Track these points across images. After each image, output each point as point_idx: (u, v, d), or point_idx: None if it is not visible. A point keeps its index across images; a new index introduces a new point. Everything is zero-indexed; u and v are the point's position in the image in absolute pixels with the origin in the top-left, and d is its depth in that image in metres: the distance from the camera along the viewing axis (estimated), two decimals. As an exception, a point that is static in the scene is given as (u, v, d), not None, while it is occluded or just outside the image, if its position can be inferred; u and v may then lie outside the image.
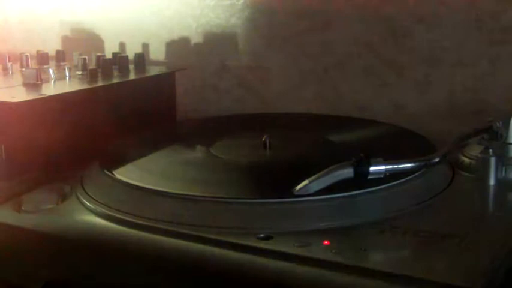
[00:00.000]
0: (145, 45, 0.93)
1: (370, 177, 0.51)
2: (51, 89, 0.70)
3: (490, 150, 0.58)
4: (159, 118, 0.80)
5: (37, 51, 0.85)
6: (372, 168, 0.51)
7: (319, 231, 0.48)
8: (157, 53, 0.93)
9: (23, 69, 0.79)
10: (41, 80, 0.72)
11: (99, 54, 0.82)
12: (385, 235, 0.47)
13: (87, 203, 0.55)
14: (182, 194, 0.53)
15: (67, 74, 0.76)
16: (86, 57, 0.79)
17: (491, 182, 0.57)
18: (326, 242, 0.46)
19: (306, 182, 0.51)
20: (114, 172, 0.58)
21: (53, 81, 0.74)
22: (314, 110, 0.83)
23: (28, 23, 1.03)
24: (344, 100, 0.82)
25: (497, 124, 0.60)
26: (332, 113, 0.80)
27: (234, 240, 0.47)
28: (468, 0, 0.73)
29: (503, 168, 0.57)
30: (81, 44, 0.97)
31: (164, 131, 0.77)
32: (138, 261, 0.49)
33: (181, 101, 0.86)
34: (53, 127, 0.65)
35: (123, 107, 0.74)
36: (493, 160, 0.57)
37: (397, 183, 0.54)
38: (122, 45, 0.95)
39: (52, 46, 0.93)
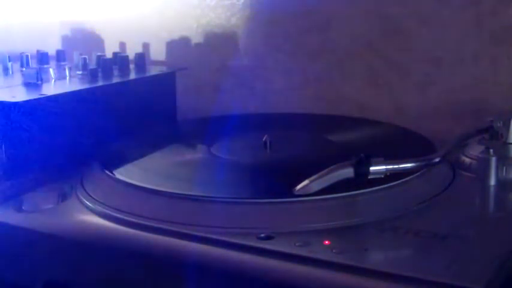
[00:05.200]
0: (146, 45, 0.93)
1: (370, 177, 0.51)
2: (51, 88, 0.70)
3: (491, 150, 0.58)
4: (159, 118, 0.80)
5: (37, 51, 0.85)
6: (372, 168, 0.51)
7: (319, 231, 0.48)
8: (157, 52, 0.93)
9: (23, 69, 0.79)
10: (41, 79, 0.72)
11: (99, 54, 0.82)
12: (386, 235, 0.47)
13: (88, 203, 0.55)
14: (182, 194, 0.53)
15: (67, 73, 0.76)
16: (87, 56, 0.79)
17: (492, 182, 0.57)
18: (327, 242, 0.46)
19: (306, 182, 0.51)
20: (114, 172, 0.58)
21: (53, 81, 0.74)
22: (314, 110, 0.83)
23: (28, 22, 1.03)
24: (344, 100, 0.82)
25: (498, 124, 0.60)
26: (332, 113, 0.80)
27: (235, 240, 0.47)
28: (468, 0, 0.73)
29: (504, 168, 0.57)
30: (81, 44, 0.97)
31: (164, 131, 0.77)
32: (138, 261, 0.49)
33: (181, 101, 0.86)
34: (53, 127, 0.65)
35: (123, 107, 0.74)
36: (493, 160, 0.57)
37: (398, 183, 0.54)
38: (123, 45, 0.95)
39: (52, 46, 0.92)
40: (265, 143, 0.65)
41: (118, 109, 0.73)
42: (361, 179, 0.51)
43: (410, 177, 0.55)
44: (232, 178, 0.59)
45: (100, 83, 0.73)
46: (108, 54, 0.85)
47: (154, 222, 0.50)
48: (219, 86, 0.91)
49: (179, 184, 0.56)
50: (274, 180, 0.58)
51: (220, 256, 0.46)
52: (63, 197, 0.58)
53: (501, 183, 0.57)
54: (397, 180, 0.54)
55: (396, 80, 0.79)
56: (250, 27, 0.87)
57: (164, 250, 0.48)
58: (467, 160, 0.61)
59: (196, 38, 0.91)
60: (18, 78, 0.75)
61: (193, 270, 0.46)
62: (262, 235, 0.47)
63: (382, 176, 0.52)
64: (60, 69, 0.80)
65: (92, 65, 0.79)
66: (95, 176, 0.60)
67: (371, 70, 0.80)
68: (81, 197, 0.57)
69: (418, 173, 0.55)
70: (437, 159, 0.54)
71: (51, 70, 0.75)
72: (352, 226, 0.49)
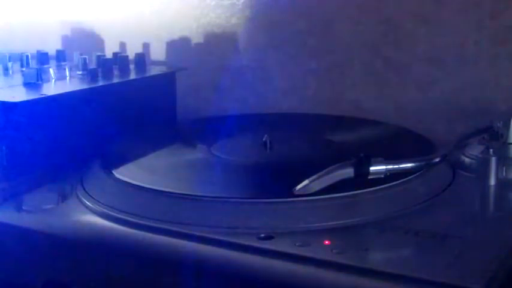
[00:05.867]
0: (146, 45, 0.93)
1: (370, 177, 0.51)
2: (51, 88, 0.70)
3: (491, 150, 0.58)
4: (159, 118, 0.80)
5: (37, 51, 0.85)
6: (372, 168, 0.51)
7: (319, 231, 0.48)
8: (157, 53, 0.93)
9: (23, 69, 0.79)
10: (41, 79, 0.72)
11: (99, 54, 0.82)
12: (386, 235, 0.47)
13: (88, 203, 0.55)
14: (182, 194, 0.53)
15: (67, 73, 0.76)
16: (87, 57, 0.79)
17: (492, 182, 0.57)
18: (327, 242, 0.46)
19: (306, 182, 0.51)
20: (114, 172, 0.58)
21: (53, 81, 0.74)
22: (314, 110, 0.83)
23: (28, 22, 1.03)
24: (344, 100, 0.82)
25: (498, 124, 0.60)
26: (332, 113, 0.80)
27: (234, 240, 0.47)
28: (468, 0, 0.73)
29: (504, 168, 0.57)
30: (81, 44, 0.97)
31: (164, 131, 0.77)
32: (138, 261, 0.49)
33: (181, 101, 0.86)
34: (53, 127, 0.65)
35: (123, 107, 0.74)
36: (493, 160, 0.57)
37: (398, 183, 0.54)
38: (123, 45, 0.95)
39: (52, 46, 0.92)
40: (265, 143, 0.65)
41: (118, 109, 0.73)
42: (361, 179, 0.51)
43: (410, 177, 0.55)
44: (232, 178, 0.59)
45: (100, 83, 0.73)
46: (108, 54, 0.85)
47: (154, 222, 0.50)
48: (219, 86, 0.91)
49: (179, 184, 0.56)
50: (274, 180, 0.58)
51: (220, 256, 0.46)
52: (63, 197, 0.58)
53: (501, 183, 0.57)
54: (397, 180, 0.54)
55: (396, 80, 0.79)
56: (250, 28, 0.87)
57: (164, 250, 0.48)
58: (467, 160, 0.61)
59: (196, 38, 0.91)
60: (18, 78, 0.75)
61: (193, 270, 0.46)
62: (262, 235, 0.47)
63: (382, 176, 0.52)
64: (60, 69, 0.80)
65: (92, 65, 0.79)
66: (95, 176, 0.60)
67: (371, 70, 0.80)
68: (81, 197, 0.57)
69: (418, 173, 0.55)
70: (437, 159, 0.54)
71: (51, 70, 0.75)
72: (352, 226, 0.49)
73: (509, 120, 0.59)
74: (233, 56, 0.89)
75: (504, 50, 0.73)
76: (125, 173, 0.58)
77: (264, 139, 0.65)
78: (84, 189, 0.58)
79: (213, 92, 0.91)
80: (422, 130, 0.69)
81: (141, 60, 0.84)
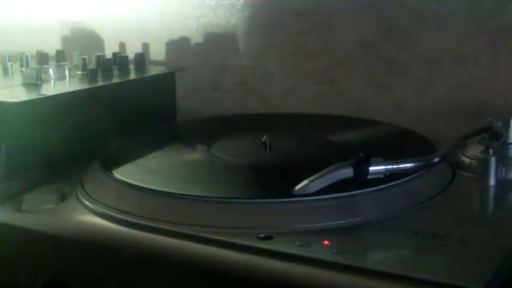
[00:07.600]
0: (146, 45, 0.93)
1: (370, 177, 0.51)
2: (51, 89, 0.70)
3: (490, 150, 0.58)
4: (159, 118, 0.80)
5: (37, 51, 0.85)
6: (371, 168, 0.51)
7: (319, 231, 0.48)
8: (157, 53, 0.93)
9: (23, 69, 0.79)
10: (41, 80, 0.72)
11: (99, 54, 0.82)
12: (385, 235, 0.47)
13: (87, 203, 0.55)
14: (182, 194, 0.53)
15: (67, 74, 0.76)
16: (86, 57, 0.79)
17: (491, 182, 0.57)
18: (326, 242, 0.46)
19: (306, 182, 0.51)
20: (114, 172, 0.58)
21: (53, 81, 0.74)
22: (314, 110, 0.83)
23: (28, 23, 1.03)
24: (344, 100, 0.82)
25: (498, 124, 0.60)
26: (332, 113, 0.80)
27: (234, 240, 0.47)
28: (468, 0, 0.73)
29: (504, 168, 0.57)
30: (81, 44, 0.97)
31: (164, 131, 0.77)
32: (138, 261, 0.49)
33: (181, 101, 0.86)
34: (53, 127, 0.65)
35: (123, 107, 0.74)
36: (493, 160, 0.57)
37: (397, 183, 0.54)
38: (122, 45, 0.95)
39: (52, 46, 0.93)
40: (265, 143, 0.65)
41: (118, 109, 0.73)
42: (361, 179, 0.51)
43: (410, 177, 0.55)
44: (232, 178, 0.59)
45: (100, 83, 0.73)
46: (108, 54, 0.85)
47: (154, 222, 0.50)
48: (219, 86, 0.91)
49: (179, 184, 0.56)
50: (273, 180, 0.58)
51: (220, 256, 0.46)
52: (63, 197, 0.58)
53: (501, 183, 0.57)
54: (397, 180, 0.54)
55: (396, 80, 0.79)
56: (250, 28, 0.87)
57: (164, 250, 0.48)
58: (467, 160, 0.61)
59: (196, 38, 0.91)
60: (18, 78, 0.75)
61: (193, 270, 0.46)
62: (262, 235, 0.47)
63: (382, 176, 0.52)
64: (60, 69, 0.80)
65: (92, 65, 0.79)
66: (94, 176, 0.60)
67: (371, 70, 0.80)
68: (81, 197, 0.57)
69: (418, 173, 0.55)
70: (436, 159, 0.54)
71: (51, 70, 0.75)
72: (352, 226, 0.49)
73: (509, 120, 0.59)
74: (233, 56, 0.89)
75: (504, 50, 0.73)
76: (124, 173, 0.58)
77: (264, 139, 0.65)
78: (83, 189, 0.58)
79: (212, 92, 0.91)
80: (422, 130, 0.69)
81: (141, 60, 0.84)
